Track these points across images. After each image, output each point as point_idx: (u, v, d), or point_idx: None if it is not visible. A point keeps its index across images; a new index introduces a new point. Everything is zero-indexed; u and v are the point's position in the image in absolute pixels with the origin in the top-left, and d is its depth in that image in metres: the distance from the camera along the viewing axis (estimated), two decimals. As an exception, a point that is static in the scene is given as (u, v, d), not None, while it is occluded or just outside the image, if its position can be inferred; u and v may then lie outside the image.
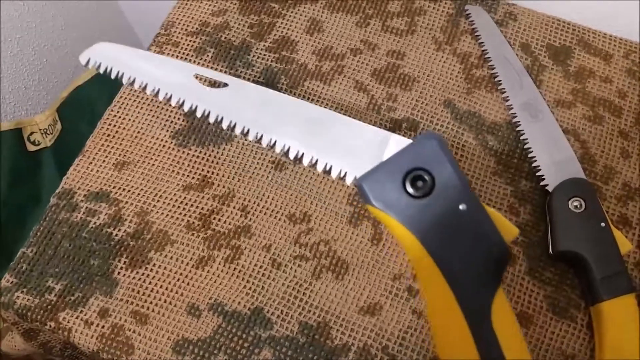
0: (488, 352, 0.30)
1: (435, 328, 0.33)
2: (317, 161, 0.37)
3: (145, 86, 0.41)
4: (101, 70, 0.42)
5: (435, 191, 0.32)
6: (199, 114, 0.40)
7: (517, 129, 0.46)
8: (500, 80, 0.48)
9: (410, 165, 0.32)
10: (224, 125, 0.40)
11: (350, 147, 0.36)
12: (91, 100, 0.70)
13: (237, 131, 0.39)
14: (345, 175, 0.36)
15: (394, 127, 0.46)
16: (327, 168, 0.37)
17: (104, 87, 0.70)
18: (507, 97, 0.47)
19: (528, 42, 0.50)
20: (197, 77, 0.41)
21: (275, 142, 0.38)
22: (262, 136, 0.39)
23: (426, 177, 0.32)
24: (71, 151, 0.72)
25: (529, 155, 0.45)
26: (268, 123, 0.39)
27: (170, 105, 0.46)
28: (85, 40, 0.85)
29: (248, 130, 0.39)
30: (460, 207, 0.31)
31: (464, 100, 0.47)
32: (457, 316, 0.30)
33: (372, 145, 0.36)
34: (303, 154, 0.37)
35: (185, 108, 0.41)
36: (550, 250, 0.41)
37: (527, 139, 0.45)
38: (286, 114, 0.39)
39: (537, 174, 0.44)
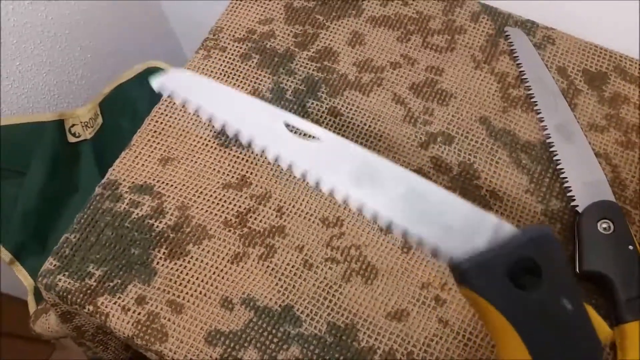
0: None
1: None
2: (410, 234, 0.34)
3: (224, 126, 0.36)
4: (177, 101, 0.37)
5: (542, 285, 0.30)
6: (284, 166, 0.35)
7: (551, 149, 0.47)
8: (536, 101, 0.49)
9: (519, 254, 0.30)
10: (311, 182, 0.35)
11: (449, 224, 0.33)
12: (133, 98, 0.73)
13: (325, 190, 0.35)
14: (439, 252, 0.33)
15: (429, 140, 0.47)
16: (422, 242, 0.34)
17: (145, 86, 0.72)
18: (542, 117, 0.48)
19: (565, 66, 0.51)
20: (287, 126, 0.36)
21: (363, 207, 0.34)
22: (350, 198, 0.35)
23: (534, 269, 0.30)
24: (110, 145, 0.75)
25: (561, 176, 0.46)
26: (360, 185, 0.35)
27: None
28: (128, 40, 0.88)
29: (339, 191, 0.35)
30: (565, 304, 0.30)
31: (499, 118, 0.48)
32: None
33: (473, 225, 0.33)
34: (394, 224, 0.34)
35: (270, 157, 0.35)
36: (577, 270, 0.42)
37: (559, 159, 0.46)
38: (382, 178, 0.35)
39: (568, 194, 0.45)
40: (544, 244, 0.31)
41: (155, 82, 0.37)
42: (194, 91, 0.37)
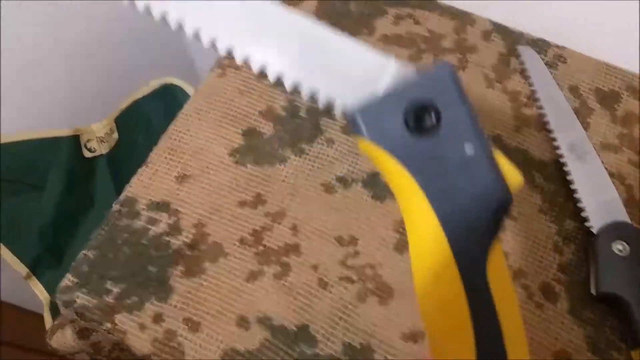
0: (479, 304, 0.28)
1: (421, 278, 0.29)
2: (301, 84, 0.30)
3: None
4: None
5: (441, 129, 0.28)
6: (172, 26, 0.31)
7: (564, 168, 0.47)
8: (548, 120, 0.49)
9: (415, 97, 0.28)
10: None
11: (343, 70, 0.30)
12: (148, 114, 0.74)
13: (204, 42, 0.30)
14: (333, 103, 0.30)
15: (443, 159, 0.48)
16: (313, 94, 0.30)
17: (161, 102, 0.73)
18: (555, 137, 0.48)
19: (577, 85, 0.51)
20: None
21: (250, 56, 0.30)
22: (233, 49, 0.31)
23: (432, 112, 0.28)
24: (125, 160, 0.76)
25: (575, 196, 0.46)
26: (243, 33, 0.31)
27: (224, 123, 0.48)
28: (143, 57, 0.90)
29: (216, 39, 0.31)
30: (467, 149, 0.28)
31: (512, 137, 0.49)
32: (449, 263, 0.28)
33: (369, 70, 0.30)
34: (285, 75, 0.30)
35: (155, 16, 0.31)
36: (593, 291, 0.42)
37: (573, 179, 0.46)
38: (268, 23, 0.31)
39: (582, 214, 0.45)
40: (441, 84, 0.28)
41: None
42: None
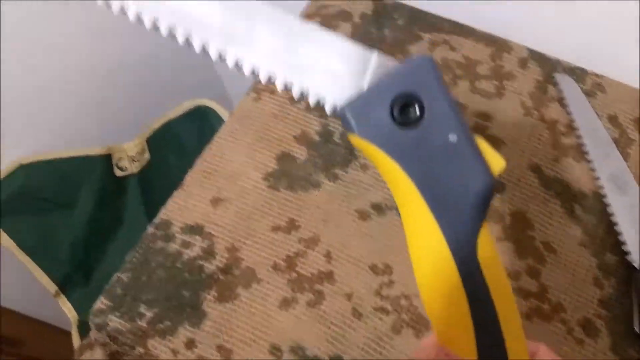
0: (473, 285, 0.29)
1: (418, 264, 0.30)
2: (291, 85, 0.31)
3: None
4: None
5: (424, 119, 0.29)
6: (147, 25, 0.31)
7: (604, 200, 0.46)
8: (587, 150, 0.48)
9: (398, 90, 0.29)
10: (179, 39, 0.31)
11: (330, 68, 0.31)
12: (180, 135, 0.75)
13: (196, 47, 0.31)
14: (324, 101, 0.31)
15: (480, 187, 0.47)
16: (304, 93, 0.31)
17: (193, 123, 0.74)
18: (594, 167, 0.47)
19: (616, 115, 0.50)
20: None
21: (242, 62, 0.31)
22: (226, 53, 0.31)
23: (416, 104, 0.29)
24: (156, 180, 0.77)
25: (615, 228, 0.45)
26: (233, 36, 0.31)
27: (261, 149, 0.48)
28: (175, 78, 0.91)
29: (208, 45, 0.31)
30: (450, 137, 0.29)
31: (551, 167, 0.48)
32: (442, 248, 0.29)
33: (354, 66, 0.30)
34: (276, 77, 0.31)
35: (130, 15, 0.31)
36: (636, 328, 0.40)
37: (613, 211, 0.45)
38: (256, 25, 0.31)
39: (623, 247, 0.44)
40: (422, 76, 0.29)
41: None
42: None
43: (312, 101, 0.31)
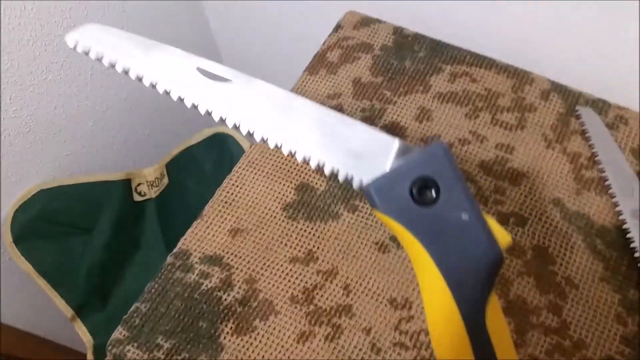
0: (481, 350, 0.32)
1: (433, 327, 0.34)
2: (324, 164, 0.36)
3: (142, 78, 0.37)
4: (92, 56, 0.37)
5: (440, 200, 0.33)
6: (202, 111, 0.37)
7: (627, 235, 0.45)
8: (610, 184, 0.48)
9: (417, 173, 0.33)
10: (229, 124, 0.37)
11: (357, 150, 0.36)
12: (200, 161, 0.75)
13: (243, 131, 0.36)
14: (352, 179, 0.36)
15: (501, 220, 0.46)
16: (335, 171, 0.36)
17: (212, 150, 0.74)
18: (617, 202, 0.47)
19: (639, 148, 0.50)
20: (199, 71, 0.37)
21: (282, 144, 0.36)
22: (268, 138, 0.37)
23: (432, 186, 0.33)
24: (174, 204, 0.77)
25: (639, 264, 0.44)
26: (274, 123, 0.37)
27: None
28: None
29: (254, 132, 0.37)
30: (463, 216, 0.32)
31: (573, 201, 0.47)
32: (453, 312, 0.32)
33: (378, 149, 0.35)
34: (310, 157, 0.36)
35: (188, 104, 0.37)
36: (661, 368, 0.40)
37: (636, 247, 0.45)
38: (293, 114, 0.37)
39: (647, 284, 0.43)
40: (439, 162, 0.33)
41: (69, 39, 0.37)
42: (107, 44, 0.37)
43: (341, 178, 0.36)
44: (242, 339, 0.43)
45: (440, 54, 0.56)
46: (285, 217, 0.48)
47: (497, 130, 0.51)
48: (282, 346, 0.42)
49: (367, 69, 0.56)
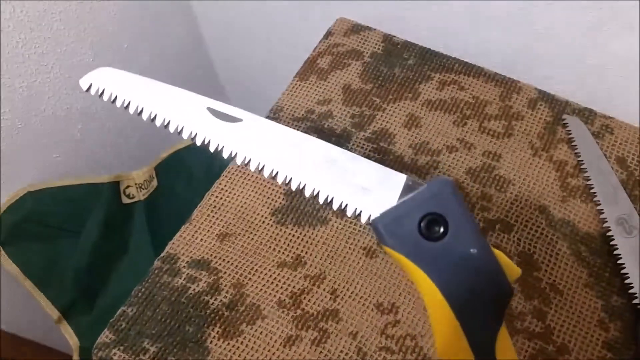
0: None
1: (442, 352, 0.34)
2: (332, 199, 0.37)
3: (155, 118, 0.39)
4: (105, 98, 0.39)
5: (448, 235, 0.33)
6: (212, 148, 0.39)
7: (611, 242, 0.46)
8: (595, 192, 0.48)
9: (425, 209, 0.33)
10: (238, 161, 0.38)
11: (364, 186, 0.37)
12: (189, 164, 0.75)
13: (252, 167, 0.38)
14: (359, 214, 0.37)
15: (487, 227, 0.47)
16: (342, 206, 0.37)
17: (202, 153, 0.74)
18: (602, 209, 0.47)
19: (624, 157, 0.51)
20: (209, 111, 0.39)
21: (290, 178, 0.38)
22: (277, 173, 0.38)
23: (440, 221, 0.33)
24: (162, 207, 0.77)
25: (622, 271, 0.45)
26: (283, 160, 0.38)
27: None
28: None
29: (263, 167, 0.38)
30: (472, 250, 0.33)
31: (558, 208, 0.48)
32: (465, 349, 0.32)
33: (385, 185, 0.36)
34: (319, 192, 0.37)
35: (198, 142, 0.39)
36: (643, 373, 0.40)
37: (620, 254, 0.45)
38: (301, 151, 0.38)
39: (630, 291, 0.43)
40: (446, 198, 0.34)
41: (83, 82, 0.39)
42: (120, 86, 0.39)
43: (349, 213, 0.37)
44: (228, 343, 0.43)
45: (429, 61, 0.57)
46: (273, 222, 0.48)
47: (485, 137, 0.52)
48: (269, 350, 0.42)
49: (357, 76, 0.56)
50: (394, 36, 0.59)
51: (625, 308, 0.44)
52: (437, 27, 0.65)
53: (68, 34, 0.68)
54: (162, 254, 0.47)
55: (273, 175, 0.38)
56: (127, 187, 0.75)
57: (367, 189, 0.36)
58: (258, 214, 0.48)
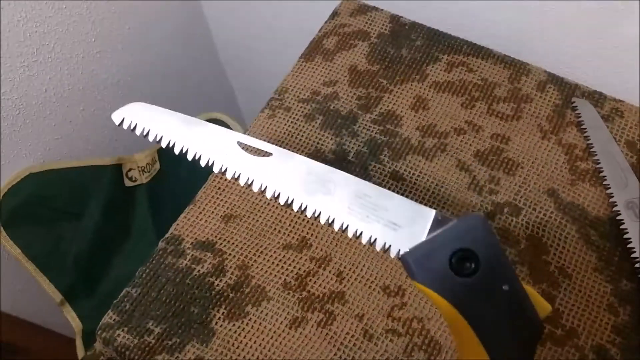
0: None
1: None
2: (361, 233, 0.37)
3: (186, 152, 0.40)
4: (137, 132, 0.41)
5: (480, 271, 0.33)
6: (242, 182, 0.39)
7: (621, 226, 0.45)
8: (605, 176, 0.48)
9: (456, 245, 0.33)
10: (268, 195, 0.39)
11: (394, 221, 0.37)
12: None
13: (282, 201, 0.39)
14: (389, 248, 0.37)
15: (495, 210, 0.46)
16: (372, 240, 0.37)
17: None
18: (612, 193, 0.47)
19: (634, 140, 0.50)
20: (240, 145, 0.40)
21: (320, 213, 0.38)
22: (306, 207, 0.39)
23: (472, 257, 0.33)
24: (165, 190, 0.76)
25: (632, 255, 0.44)
26: (312, 194, 0.39)
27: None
28: (187, 90, 0.91)
29: (292, 201, 0.39)
30: (504, 287, 0.33)
31: (567, 192, 0.47)
32: None
33: (414, 220, 0.37)
34: (348, 226, 0.37)
35: (228, 175, 0.40)
36: (652, 358, 0.40)
37: (630, 238, 0.45)
38: (331, 186, 0.39)
39: (639, 275, 0.43)
40: (478, 234, 0.33)
41: (116, 117, 0.40)
42: (152, 121, 0.41)
43: (378, 247, 0.37)
44: (234, 325, 0.42)
45: (437, 43, 0.56)
46: (278, 204, 0.48)
47: (493, 120, 0.51)
48: (274, 332, 0.42)
49: (363, 57, 0.56)
50: (401, 17, 0.58)
51: (635, 292, 0.43)
52: (446, 8, 0.64)
53: (70, 12, 0.67)
54: (166, 235, 0.46)
55: (302, 209, 0.38)
56: (130, 170, 0.74)
57: (397, 223, 0.37)
58: (263, 196, 0.48)
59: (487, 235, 0.33)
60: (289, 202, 0.39)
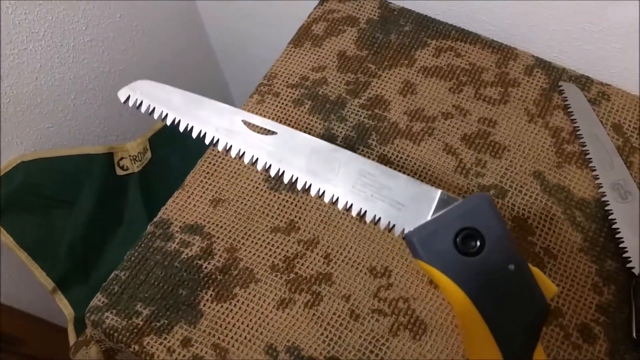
0: None
1: None
2: (365, 212, 0.37)
3: (191, 129, 0.40)
4: (142, 109, 0.40)
5: (485, 250, 0.33)
6: (246, 161, 0.39)
7: (606, 208, 0.46)
8: (591, 158, 0.48)
9: (462, 224, 0.33)
10: (272, 173, 0.39)
11: (398, 200, 0.37)
12: (183, 135, 0.74)
13: (285, 179, 0.39)
14: (393, 227, 0.37)
15: (482, 192, 0.47)
16: (376, 219, 0.37)
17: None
18: (597, 175, 0.47)
19: (620, 123, 0.50)
20: (245, 123, 0.40)
21: (324, 191, 0.38)
22: (310, 185, 0.39)
23: (477, 236, 0.33)
24: (156, 179, 0.77)
25: (616, 236, 0.44)
26: (316, 172, 0.39)
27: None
28: (180, 78, 0.91)
29: (297, 179, 0.39)
30: (509, 266, 0.33)
31: (553, 174, 0.48)
32: None
33: (419, 199, 0.36)
34: (352, 205, 0.37)
35: (233, 153, 0.40)
36: (634, 335, 0.40)
37: (615, 219, 0.45)
38: (335, 165, 0.39)
39: (624, 255, 0.43)
40: (483, 213, 0.33)
41: (121, 94, 0.40)
42: (157, 99, 0.41)
43: (382, 226, 0.37)
44: (222, 306, 0.43)
45: (425, 28, 0.56)
46: (267, 188, 0.48)
47: (480, 104, 0.51)
48: (262, 313, 0.42)
49: (352, 43, 0.56)
50: (390, 2, 0.58)
51: (619, 272, 0.44)
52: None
53: (69, 7, 0.67)
54: (154, 219, 0.47)
55: (306, 187, 0.38)
56: (121, 158, 0.74)
57: (402, 203, 0.36)
58: (251, 180, 0.48)
59: (493, 215, 0.33)
60: (293, 180, 0.39)
